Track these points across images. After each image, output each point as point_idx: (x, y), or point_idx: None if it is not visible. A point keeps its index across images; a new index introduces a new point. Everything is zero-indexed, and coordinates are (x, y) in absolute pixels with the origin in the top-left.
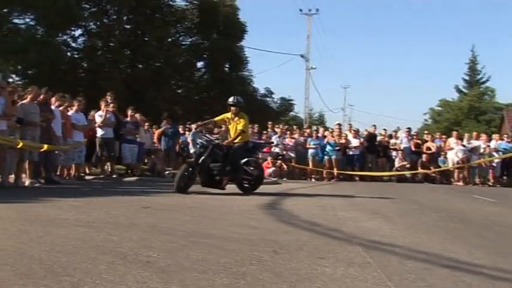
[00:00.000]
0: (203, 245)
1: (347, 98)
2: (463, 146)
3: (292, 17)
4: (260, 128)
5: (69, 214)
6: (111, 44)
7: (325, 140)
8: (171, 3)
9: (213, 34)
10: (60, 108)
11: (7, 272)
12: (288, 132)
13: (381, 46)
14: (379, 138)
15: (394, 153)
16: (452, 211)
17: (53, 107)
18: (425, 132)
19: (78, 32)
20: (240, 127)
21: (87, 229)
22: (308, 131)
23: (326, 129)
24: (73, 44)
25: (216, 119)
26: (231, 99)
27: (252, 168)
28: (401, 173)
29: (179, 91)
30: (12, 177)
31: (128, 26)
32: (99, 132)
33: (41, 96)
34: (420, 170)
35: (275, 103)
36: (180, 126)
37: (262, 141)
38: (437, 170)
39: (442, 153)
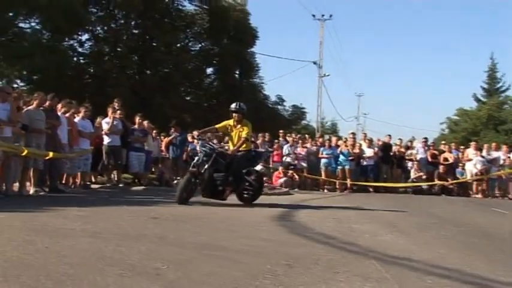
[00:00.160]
0: (214, 257)
1: (361, 107)
2: (482, 157)
3: (304, 22)
4: (271, 137)
5: (76, 224)
6: (119, 49)
7: (339, 149)
8: (180, 7)
9: (224, 39)
10: (67, 114)
11: (14, 284)
12: (300, 141)
13: (397, 54)
14: (394, 148)
15: (409, 164)
16: (471, 225)
17: (59, 114)
18: (443, 142)
19: (84, 37)
20: (243, 135)
21: (94, 240)
22: (320, 140)
23: (339, 138)
24: (79, 49)
25: (218, 126)
26: (233, 106)
27: (253, 178)
28: (417, 185)
29: (188, 98)
30: (16, 186)
31: (136, 31)
32: (106, 139)
33: (47, 103)
34: (437, 182)
35: (286, 111)
36: (189, 134)
37: (264, 150)
38: (455, 181)
39: (460, 164)
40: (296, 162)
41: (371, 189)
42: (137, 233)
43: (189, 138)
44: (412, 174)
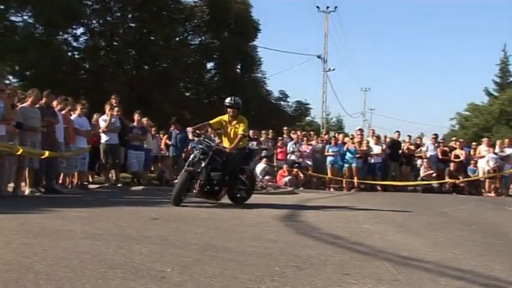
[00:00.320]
0: (219, 259)
1: (367, 102)
2: (495, 153)
3: (308, 14)
4: (275, 134)
5: (74, 226)
6: (115, 44)
7: (345, 146)
8: None
9: (224, 33)
10: (63, 112)
11: None
12: (305, 138)
13: (404, 46)
14: (403, 145)
15: (419, 161)
16: (484, 224)
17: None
18: (453, 138)
19: (79, 31)
20: (240, 131)
21: (94, 242)
22: (326, 137)
23: (346, 135)
24: (74, 44)
25: (212, 121)
26: (227, 100)
27: (245, 177)
28: (427, 183)
29: (187, 94)
30: (11, 186)
31: (133, 24)
32: (104, 138)
33: (43, 100)
34: (448, 180)
35: (290, 107)
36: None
37: (256, 147)
38: (466, 179)
39: (472, 161)
40: (301, 160)
41: (379, 188)
42: (138, 234)
43: (190, 136)
44: (422, 172)
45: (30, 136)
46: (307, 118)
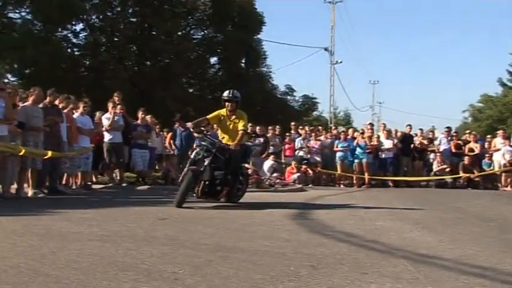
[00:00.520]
0: (232, 260)
1: (376, 95)
2: (511, 146)
3: (314, 6)
4: (282, 130)
5: (81, 227)
6: (116, 39)
7: (355, 141)
8: None
9: (228, 26)
10: (65, 110)
11: None
12: (313, 134)
13: (413, 37)
14: (415, 139)
15: (431, 155)
16: (502, 220)
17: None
18: (467, 131)
19: (79, 27)
20: (241, 127)
21: (102, 243)
22: (335, 132)
23: (355, 130)
24: (74, 40)
25: (209, 116)
26: (225, 94)
27: (242, 175)
28: (440, 178)
29: (191, 90)
30: (14, 187)
31: (134, 19)
32: (107, 136)
33: (47, 99)
34: (462, 174)
35: (297, 102)
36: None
37: (251, 143)
38: (481, 174)
39: (487, 155)
40: (309, 156)
41: (391, 184)
42: (147, 235)
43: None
44: (435, 167)
45: (32, 136)
46: (315, 113)
